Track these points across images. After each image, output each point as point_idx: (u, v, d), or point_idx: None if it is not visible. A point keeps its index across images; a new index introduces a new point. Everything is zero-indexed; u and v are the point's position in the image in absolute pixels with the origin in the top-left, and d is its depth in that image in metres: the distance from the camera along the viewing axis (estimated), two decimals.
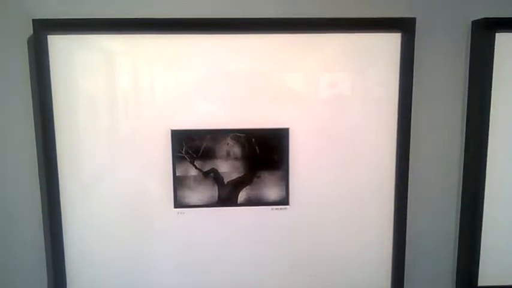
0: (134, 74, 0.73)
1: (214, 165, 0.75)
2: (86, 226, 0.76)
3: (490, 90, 0.74)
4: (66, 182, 0.74)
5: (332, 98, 0.75)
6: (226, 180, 0.76)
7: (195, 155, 0.75)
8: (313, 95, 0.75)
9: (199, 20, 0.71)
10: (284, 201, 0.77)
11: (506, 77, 0.74)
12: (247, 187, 0.76)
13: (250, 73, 0.73)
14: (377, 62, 0.74)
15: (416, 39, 0.74)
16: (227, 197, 0.76)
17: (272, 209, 0.77)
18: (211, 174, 0.76)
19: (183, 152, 0.75)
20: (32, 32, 0.70)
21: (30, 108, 0.74)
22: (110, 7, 0.71)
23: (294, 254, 0.79)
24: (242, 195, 0.77)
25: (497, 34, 0.73)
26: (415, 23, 0.73)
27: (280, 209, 0.77)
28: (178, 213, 0.76)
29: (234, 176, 0.76)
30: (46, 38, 0.70)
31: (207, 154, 0.75)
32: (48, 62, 0.71)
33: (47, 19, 0.69)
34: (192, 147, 0.75)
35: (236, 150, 0.75)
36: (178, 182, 0.76)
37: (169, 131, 0.74)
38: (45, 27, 0.70)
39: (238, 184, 0.76)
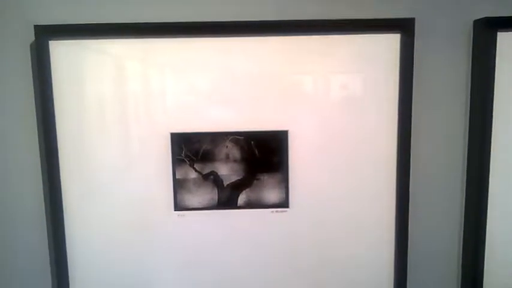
0: (134, 78, 0.74)
1: (214, 168, 0.76)
2: (88, 228, 0.77)
3: (493, 89, 0.73)
4: (68, 185, 0.75)
5: (331, 100, 0.75)
6: (226, 183, 0.76)
7: (194, 158, 0.75)
8: (312, 97, 0.75)
9: (196, 24, 0.71)
10: (284, 203, 0.77)
11: (509, 76, 0.73)
12: (247, 190, 0.76)
13: (249, 76, 0.73)
14: (377, 63, 0.74)
15: (417, 39, 0.73)
16: (227, 199, 0.77)
17: (272, 211, 0.77)
18: (211, 176, 0.76)
19: (183, 155, 0.75)
20: (34, 37, 0.71)
21: (33, 111, 0.75)
22: (109, 12, 0.72)
23: (294, 257, 0.78)
24: (242, 198, 0.77)
25: (499, 33, 0.72)
26: (414, 24, 0.72)
27: (280, 211, 0.77)
28: (178, 215, 0.77)
29: (234, 178, 0.76)
30: (47, 43, 0.71)
31: (207, 157, 0.75)
32: (50, 66, 0.72)
33: (48, 25, 0.71)
34: (191, 150, 0.75)
35: (235, 152, 0.75)
36: (178, 185, 0.76)
37: (169, 134, 0.74)
38: (46, 32, 0.71)
39: (238, 187, 0.76)
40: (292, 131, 0.75)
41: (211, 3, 0.73)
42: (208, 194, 0.76)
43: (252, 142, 0.75)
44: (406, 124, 0.74)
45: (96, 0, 0.72)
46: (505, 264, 0.78)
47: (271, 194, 0.77)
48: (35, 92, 0.74)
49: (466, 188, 0.78)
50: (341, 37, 0.73)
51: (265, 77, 0.74)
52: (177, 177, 0.76)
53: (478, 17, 0.73)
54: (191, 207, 0.76)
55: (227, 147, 0.75)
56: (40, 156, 0.76)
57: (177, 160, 0.75)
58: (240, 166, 0.76)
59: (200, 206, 0.76)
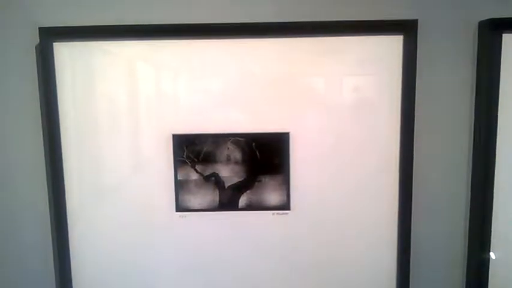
0: (137, 80, 0.74)
1: (215, 169, 0.76)
2: (91, 229, 0.77)
3: (498, 92, 0.72)
4: (72, 187, 0.76)
5: (334, 102, 0.75)
6: (227, 185, 0.76)
7: (196, 159, 0.75)
8: (314, 99, 0.75)
9: (197, 26, 0.71)
10: (285, 206, 0.77)
11: None
12: (248, 191, 0.76)
13: (250, 78, 0.74)
14: (379, 65, 0.73)
15: (421, 41, 0.72)
16: (228, 201, 0.77)
17: (273, 213, 0.77)
18: (212, 178, 0.76)
19: (184, 157, 0.75)
20: (39, 39, 0.72)
21: (38, 112, 0.76)
22: (113, 14, 0.73)
23: (295, 259, 0.78)
24: (243, 200, 0.77)
25: (504, 35, 0.71)
26: (417, 25, 0.71)
27: (282, 213, 0.77)
28: (180, 216, 0.77)
29: (235, 180, 0.76)
30: (52, 45, 0.72)
31: (208, 158, 0.75)
32: (54, 68, 0.73)
33: (53, 27, 0.72)
34: (193, 151, 0.75)
35: (237, 154, 0.75)
36: (180, 186, 0.76)
37: (171, 136, 0.75)
38: (51, 34, 0.72)
39: (239, 188, 0.76)
40: (293, 133, 0.75)
41: (212, 5, 0.73)
42: (209, 196, 0.76)
43: (254, 144, 0.75)
44: (408, 126, 0.74)
45: (100, 3, 0.73)
46: (510, 269, 0.77)
47: (273, 196, 0.76)
48: (39, 93, 0.75)
49: (471, 190, 0.77)
50: (343, 39, 0.73)
51: (266, 78, 0.74)
52: (178, 178, 0.76)
53: (483, 18, 0.72)
54: (192, 208, 0.77)
55: (228, 148, 0.75)
56: (44, 158, 0.77)
57: (179, 161, 0.75)
58: (241, 168, 0.76)
59: (201, 208, 0.77)
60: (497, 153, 0.73)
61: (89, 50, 0.73)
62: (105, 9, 0.73)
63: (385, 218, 0.77)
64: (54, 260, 0.79)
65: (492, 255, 0.76)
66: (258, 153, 0.75)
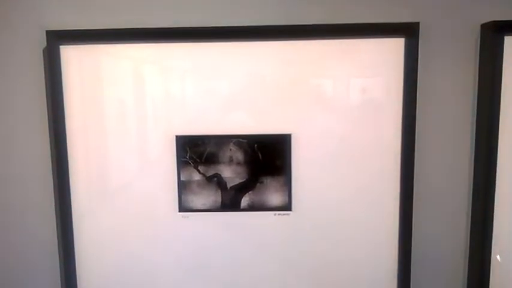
0: (142, 83, 0.76)
1: (218, 170, 0.77)
2: (96, 228, 0.79)
3: (500, 94, 0.72)
4: (77, 187, 0.78)
5: (335, 104, 0.75)
6: (229, 185, 0.77)
7: (199, 160, 0.77)
8: (316, 101, 0.75)
9: (202, 29, 0.72)
10: (287, 206, 0.77)
11: None
12: (250, 192, 0.77)
13: (252, 81, 0.74)
14: (381, 67, 0.74)
15: (423, 43, 0.73)
16: (230, 201, 0.77)
17: (275, 214, 0.78)
18: (215, 179, 0.77)
19: (187, 157, 0.77)
20: (46, 42, 0.74)
21: (45, 114, 0.78)
22: (118, 18, 0.75)
23: (297, 259, 0.79)
24: (245, 200, 0.77)
25: (506, 37, 0.71)
26: (418, 28, 0.72)
27: (283, 214, 0.78)
28: (182, 217, 0.78)
29: (237, 181, 0.77)
30: (59, 48, 0.74)
31: (211, 159, 0.76)
32: (61, 70, 0.75)
33: (60, 30, 0.73)
34: (195, 152, 0.76)
35: (239, 155, 0.76)
36: (183, 187, 0.77)
37: (174, 137, 0.76)
38: (58, 38, 0.74)
39: (241, 189, 0.77)
40: (295, 134, 0.75)
41: (216, 9, 0.74)
42: (211, 196, 0.77)
43: (256, 145, 0.76)
44: (410, 128, 0.74)
45: (106, 6, 0.75)
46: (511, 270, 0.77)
47: (274, 197, 0.77)
48: (46, 95, 0.77)
49: (473, 191, 0.77)
50: (346, 42, 0.73)
51: (268, 81, 0.74)
52: (181, 179, 0.77)
53: (485, 21, 0.72)
54: (195, 208, 0.78)
55: (231, 150, 0.76)
56: (51, 159, 0.79)
57: (182, 162, 0.77)
58: (244, 169, 0.77)
59: (204, 208, 0.78)
60: (498, 155, 0.73)
61: (95, 52, 0.75)
62: (111, 13, 0.75)
63: (386, 219, 0.77)
64: (59, 258, 0.81)
65: (498, 258, 0.76)
66: (260, 155, 0.76)
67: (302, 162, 0.76)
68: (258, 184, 0.77)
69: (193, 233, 0.78)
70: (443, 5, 0.73)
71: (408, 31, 0.72)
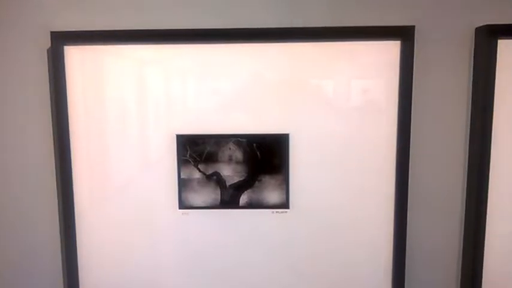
0: (144, 84, 0.78)
1: (217, 168, 0.79)
2: (98, 225, 0.81)
3: (493, 97, 0.74)
4: (80, 185, 0.80)
5: (332, 105, 0.77)
6: (228, 183, 0.79)
7: (198, 159, 0.78)
8: (313, 101, 0.77)
9: (205, 31, 0.74)
10: (284, 204, 0.79)
11: (509, 84, 0.73)
12: (248, 190, 0.79)
13: (251, 81, 0.76)
14: (377, 70, 0.76)
15: (419, 46, 0.75)
16: (229, 199, 0.80)
17: (273, 212, 0.80)
18: (214, 177, 0.79)
19: (188, 156, 0.78)
20: (50, 43, 0.75)
21: (49, 114, 0.80)
22: (122, 19, 0.76)
23: (293, 255, 0.81)
24: (244, 198, 0.79)
25: (499, 41, 0.73)
26: (414, 31, 0.73)
27: (281, 212, 0.80)
28: (182, 214, 0.80)
29: (236, 179, 0.79)
30: (63, 48, 0.76)
31: (210, 158, 0.78)
32: (65, 71, 0.76)
33: (64, 31, 0.75)
34: (196, 151, 0.78)
35: (238, 154, 0.78)
36: (183, 185, 0.79)
37: (175, 136, 0.78)
38: (62, 38, 0.75)
39: (240, 187, 0.79)
40: (293, 134, 0.77)
41: (217, 12, 0.76)
42: (211, 194, 0.79)
43: (254, 145, 0.78)
44: (405, 129, 0.76)
45: (110, 8, 0.76)
46: (505, 264, 0.78)
47: (272, 195, 0.79)
48: (50, 95, 0.79)
49: (466, 193, 0.79)
50: (341, 44, 0.75)
51: (266, 82, 0.76)
52: (181, 177, 0.79)
53: (479, 25, 0.74)
54: (195, 206, 0.80)
55: (230, 149, 0.78)
56: (54, 157, 0.81)
57: (182, 161, 0.79)
58: (242, 167, 0.78)
59: (203, 205, 0.80)
60: (491, 155, 0.75)
61: (98, 53, 0.76)
62: (115, 14, 0.76)
63: (381, 217, 0.79)
64: (62, 255, 0.83)
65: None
66: (258, 154, 0.78)
67: (299, 161, 0.78)
68: (257, 182, 0.79)
69: (193, 229, 0.80)
70: (438, 9, 0.75)
71: (404, 34, 0.74)
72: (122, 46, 0.76)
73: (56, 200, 0.82)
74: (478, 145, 0.76)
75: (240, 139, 0.78)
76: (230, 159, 0.78)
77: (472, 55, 0.76)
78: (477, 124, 0.76)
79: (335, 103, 0.77)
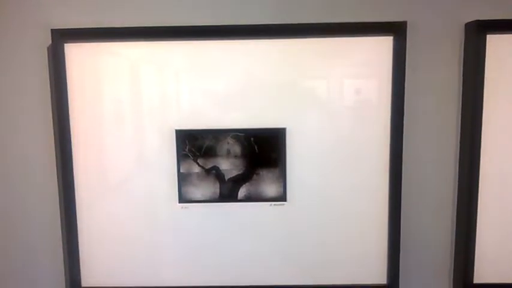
0: (144, 80, 0.79)
1: (216, 163, 0.80)
2: (99, 219, 0.82)
3: (483, 91, 0.76)
4: (81, 180, 0.81)
5: (327, 100, 0.79)
6: (227, 177, 0.81)
7: (197, 153, 0.80)
8: (309, 96, 0.79)
9: (202, 28, 0.76)
10: (282, 197, 0.81)
11: (498, 78, 0.76)
12: (246, 184, 0.81)
13: (249, 77, 0.78)
14: (370, 65, 0.78)
15: (412, 41, 0.77)
16: (228, 193, 0.81)
17: (270, 204, 0.81)
18: (213, 171, 0.81)
19: (187, 150, 0.80)
20: (51, 41, 0.77)
21: (50, 109, 0.81)
22: (121, 17, 0.78)
23: (291, 246, 0.83)
24: (242, 192, 0.81)
25: (488, 36, 0.75)
26: (406, 27, 0.75)
27: (278, 204, 0.81)
28: (182, 207, 0.82)
29: (235, 173, 0.81)
30: (63, 46, 0.77)
31: (209, 152, 0.80)
32: (65, 68, 0.78)
33: (64, 29, 0.76)
34: (195, 145, 0.80)
35: (236, 148, 0.80)
36: (183, 179, 0.81)
37: (174, 131, 0.80)
38: (62, 36, 0.77)
39: (238, 181, 0.81)
40: (290, 128, 0.79)
41: (213, 8, 0.78)
42: (210, 188, 0.81)
43: (252, 139, 0.80)
44: (398, 123, 0.78)
45: (110, 6, 0.78)
46: (496, 260, 0.81)
47: (270, 188, 0.81)
48: (51, 92, 0.80)
49: (458, 187, 0.81)
50: (337, 39, 0.77)
51: (264, 78, 0.78)
52: (181, 171, 0.80)
53: (469, 20, 0.76)
54: (194, 199, 0.81)
55: (228, 143, 0.80)
56: (55, 153, 0.82)
57: (182, 155, 0.80)
58: (241, 161, 0.80)
59: (203, 199, 0.81)
60: (481, 150, 0.77)
61: (99, 50, 0.78)
62: (115, 12, 0.78)
63: (375, 210, 0.81)
64: (63, 250, 0.84)
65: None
66: (256, 148, 0.80)
67: (296, 155, 0.80)
68: (255, 176, 0.81)
69: (193, 223, 0.82)
70: (429, 4, 0.77)
71: (396, 30, 0.76)
72: (123, 43, 0.78)
73: (57, 195, 0.83)
74: (468, 139, 0.78)
75: (238, 133, 0.79)
76: (228, 154, 0.80)
77: (462, 50, 0.78)
78: (467, 117, 0.78)
79: (329, 98, 0.79)
